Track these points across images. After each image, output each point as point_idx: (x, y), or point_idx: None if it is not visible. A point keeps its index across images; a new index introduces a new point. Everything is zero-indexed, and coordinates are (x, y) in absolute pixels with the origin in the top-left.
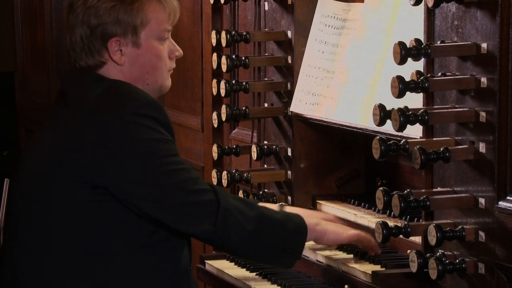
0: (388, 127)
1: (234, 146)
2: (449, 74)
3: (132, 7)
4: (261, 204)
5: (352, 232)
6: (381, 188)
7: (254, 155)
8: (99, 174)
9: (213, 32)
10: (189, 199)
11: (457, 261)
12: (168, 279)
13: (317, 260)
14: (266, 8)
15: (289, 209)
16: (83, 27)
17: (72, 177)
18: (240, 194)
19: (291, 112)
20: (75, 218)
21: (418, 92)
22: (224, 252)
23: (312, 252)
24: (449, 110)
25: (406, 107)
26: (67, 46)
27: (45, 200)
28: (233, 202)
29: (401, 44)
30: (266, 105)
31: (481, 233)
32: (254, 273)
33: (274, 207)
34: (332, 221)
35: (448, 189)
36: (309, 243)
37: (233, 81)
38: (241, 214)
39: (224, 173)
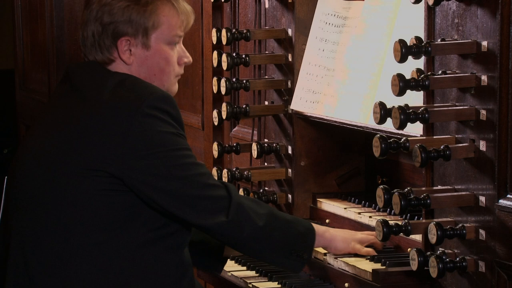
0: (389, 125)
1: (235, 144)
2: (450, 72)
3: (145, 9)
4: None
5: (358, 246)
6: (382, 186)
7: (255, 153)
8: (115, 164)
9: (214, 30)
10: (203, 193)
11: (458, 259)
12: (175, 271)
13: (318, 259)
14: (267, 6)
15: None
16: (96, 24)
17: (88, 165)
18: (241, 192)
19: (292, 110)
20: (87, 206)
21: (418, 90)
22: (234, 249)
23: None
24: (450, 108)
25: (406, 105)
26: (79, 41)
27: (57, 188)
28: (244, 199)
29: (402, 42)
30: (266, 103)
31: (482, 231)
32: (254, 271)
33: None
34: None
35: (449, 187)
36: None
37: (234, 79)
38: (252, 210)
39: (225, 171)
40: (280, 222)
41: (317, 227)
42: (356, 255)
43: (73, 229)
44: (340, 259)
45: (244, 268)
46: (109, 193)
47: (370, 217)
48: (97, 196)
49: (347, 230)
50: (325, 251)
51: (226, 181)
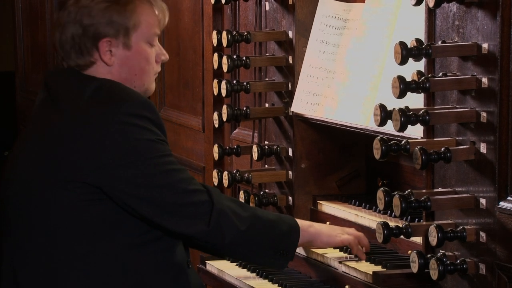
0: (389, 127)
1: (235, 146)
2: (450, 74)
3: (125, 9)
4: None
5: (345, 236)
6: (382, 189)
7: (255, 156)
8: (94, 174)
9: (214, 32)
10: (183, 200)
11: (458, 261)
12: (164, 275)
13: (318, 261)
14: (267, 8)
15: None
16: (75, 26)
17: (66, 177)
18: (241, 194)
19: (292, 112)
20: (69, 217)
21: (419, 92)
22: (215, 256)
23: (313, 252)
24: (450, 110)
25: (407, 107)
26: (55, 44)
27: (38, 200)
28: (226, 202)
29: (402, 44)
30: (267, 105)
31: (482, 234)
32: (255, 273)
33: None
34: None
35: (449, 189)
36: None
37: (234, 81)
38: (235, 214)
39: (225, 173)
40: (263, 223)
41: (301, 222)
42: (357, 256)
43: (58, 241)
44: (341, 261)
45: (244, 270)
46: (91, 203)
47: (370, 219)
48: (79, 206)
49: (334, 226)
50: (328, 255)
51: (227, 183)
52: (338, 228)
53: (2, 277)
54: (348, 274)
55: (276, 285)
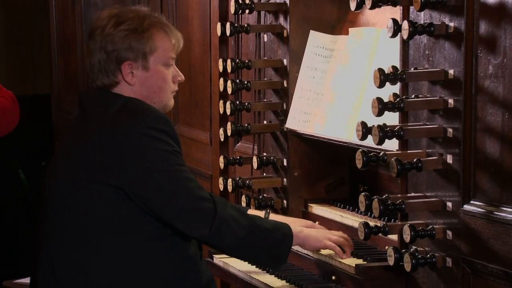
0: (369, 141)
1: (238, 157)
2: (421, 96)
3: (143, 36)
4: (250, 211)
5: (329, 243)
6: (363, 193)
7: (255, 165)
8: (115, 177)
9: (220, 60)
10: (192, 205)
11: (428, 256)
12: (178, 266)
13: (308, 255)
14: (265, 39)
15: (274, 216)
16: (101, 52)
17: (92, 178)
18: (243, 198)
19: (287, 128)
20: (97, 215)
21: (395, 112)
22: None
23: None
24: (421, 127)
25: (384, 124)
26: (87, 69)
27: (69, 199)
28: (229, 211)
29: (380, 71)
30: (265, 122)
31: (449, 232)
32: (255, 266)
33: (261, 213)
34: (313, 227)
35: (420, 194)
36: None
37: (237, 102)
38: (235, 222)
39: (229, 180)
40: (260, 232)
41: (294, 228)
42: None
43: (87, 236)
44: (328, 255)
45: (246, 263)
46: (114, 201)
47: (353, 219)
48: (105, 205)
49: (321, 230)
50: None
51: (231, 188)
52: (327, 232)
53: (41, 268)
54: (335, 266)
55: (273, 276)
